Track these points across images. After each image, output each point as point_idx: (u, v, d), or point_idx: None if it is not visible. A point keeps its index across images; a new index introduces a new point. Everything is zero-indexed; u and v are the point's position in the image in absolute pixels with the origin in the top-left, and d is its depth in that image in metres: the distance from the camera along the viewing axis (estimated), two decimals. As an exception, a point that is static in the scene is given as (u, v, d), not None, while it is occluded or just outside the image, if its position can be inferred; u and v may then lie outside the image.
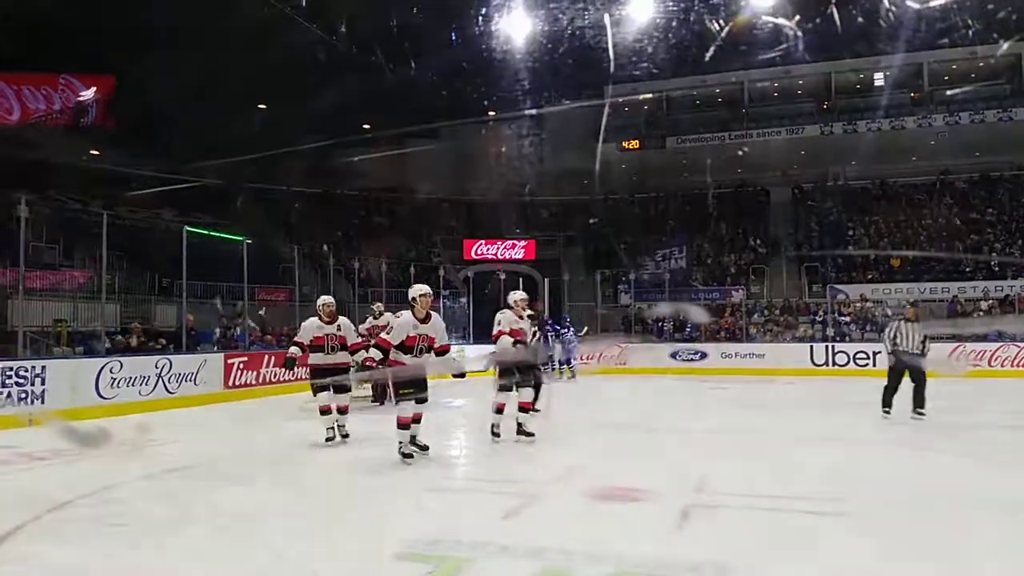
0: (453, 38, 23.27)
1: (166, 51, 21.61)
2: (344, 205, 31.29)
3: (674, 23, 21.20)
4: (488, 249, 28.61)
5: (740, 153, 29.96)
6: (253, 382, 13.21)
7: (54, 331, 13.34)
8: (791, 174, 31.00)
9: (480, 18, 22.56)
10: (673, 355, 19.93)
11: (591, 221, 30.44)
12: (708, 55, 22.57)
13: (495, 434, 7.82)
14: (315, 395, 8.08)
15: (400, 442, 6.83)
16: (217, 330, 14.74)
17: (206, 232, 17.08)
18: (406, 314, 6.94)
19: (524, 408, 7.89)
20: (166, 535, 4.53)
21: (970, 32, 22.48)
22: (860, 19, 21.81)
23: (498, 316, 7.98)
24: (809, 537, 4.37)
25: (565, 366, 17.60)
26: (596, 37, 21.72)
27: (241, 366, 13.02)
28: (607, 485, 5.63)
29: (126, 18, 21.03)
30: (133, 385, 10.93)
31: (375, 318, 12.16)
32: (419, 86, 26.31)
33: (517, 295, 8.16)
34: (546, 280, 22.27)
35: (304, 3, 21.30)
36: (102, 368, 10.56)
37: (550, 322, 18.01)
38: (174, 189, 25.20)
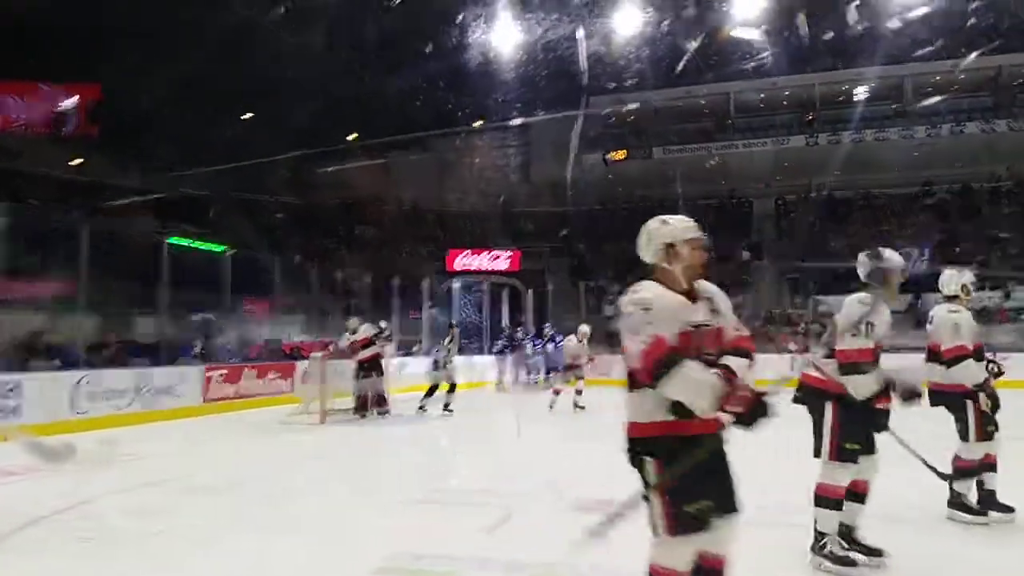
0: (437, 49, 23.37)
1: (149, 60, 21.57)
2: (327, 216, 31.20)
3: (653, 33, 21.41)
4: (472, 260, 28.62)
5: (708, 165, 30.10)
6: (232, 395, 13.12)
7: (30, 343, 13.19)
8: (775, 185, 31.28)
9: (466, 29, 22.71)
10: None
11: (562, 234, 30.56)
12: (682, 67, 22.79)
13: None
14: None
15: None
16: (197, 343, 14.65)
17: (187, 243, 17.02)
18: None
19: None
20: (142, 549, 4.50)
21: (937, 45, 22.82)
22: (842, 32, 22.12)
23: None
24: (790, 550, 4.39)
25: (553, 374, 17.67)
26: (579, 48, 21.90)
27: (220, 379, 12.94)
28: (588, 497, 5.64)
29: (110, 26, 20.99)
30: (110, 399, 10.83)
31: (351, 333, 12.13)
32: (403, 96, 26.38)
33: None
34: (530, 291, 22.32)
35: (286, 11, 21.34)
36: (79, 381, 10.46)
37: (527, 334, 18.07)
38: (155, 199, 25.04)
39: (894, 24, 21.67)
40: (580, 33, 20.59)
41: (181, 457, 8.40)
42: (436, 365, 12.43)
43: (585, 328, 13.12)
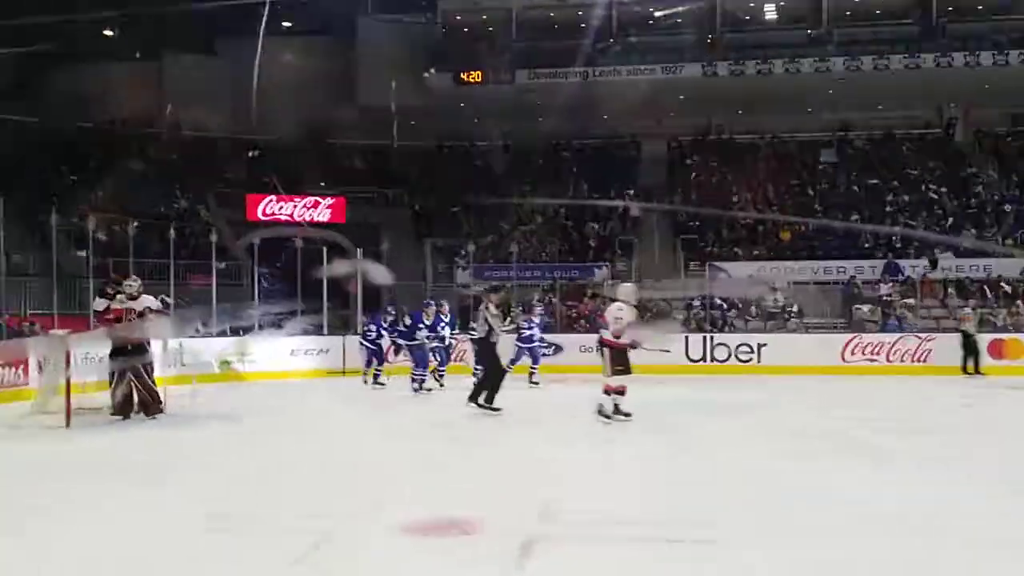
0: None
1: None
2: (73, 142, 29.32)
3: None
4: (281, 208, 27.88)
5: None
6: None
7: None
8: (666, 123, 32.41)
9: None
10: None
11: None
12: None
13: None
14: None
15: None
16: None
17: None
18: None
19: None
20: None
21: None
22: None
23: None
24: (668, 571, 4.64)
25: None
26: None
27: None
28: (430, 516, 5.71)
29: None
30: None
31: (129, 298, 11.48)
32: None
33: None
34: (359, 251, 22.04)
35: None
36: None
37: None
38: None
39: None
40: None
41: None
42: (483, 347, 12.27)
43: (629, 286, 11.75)
